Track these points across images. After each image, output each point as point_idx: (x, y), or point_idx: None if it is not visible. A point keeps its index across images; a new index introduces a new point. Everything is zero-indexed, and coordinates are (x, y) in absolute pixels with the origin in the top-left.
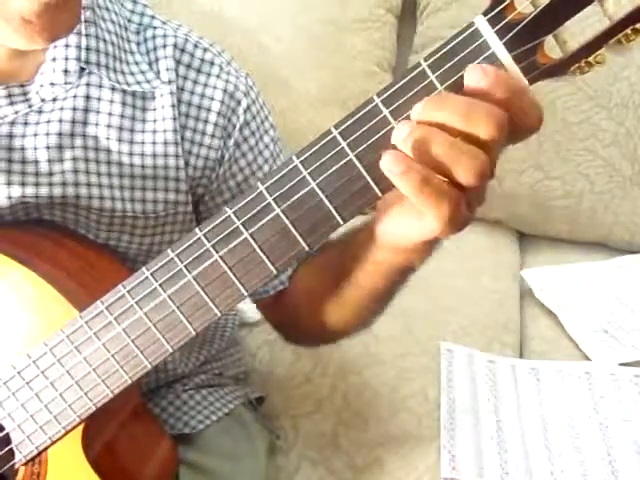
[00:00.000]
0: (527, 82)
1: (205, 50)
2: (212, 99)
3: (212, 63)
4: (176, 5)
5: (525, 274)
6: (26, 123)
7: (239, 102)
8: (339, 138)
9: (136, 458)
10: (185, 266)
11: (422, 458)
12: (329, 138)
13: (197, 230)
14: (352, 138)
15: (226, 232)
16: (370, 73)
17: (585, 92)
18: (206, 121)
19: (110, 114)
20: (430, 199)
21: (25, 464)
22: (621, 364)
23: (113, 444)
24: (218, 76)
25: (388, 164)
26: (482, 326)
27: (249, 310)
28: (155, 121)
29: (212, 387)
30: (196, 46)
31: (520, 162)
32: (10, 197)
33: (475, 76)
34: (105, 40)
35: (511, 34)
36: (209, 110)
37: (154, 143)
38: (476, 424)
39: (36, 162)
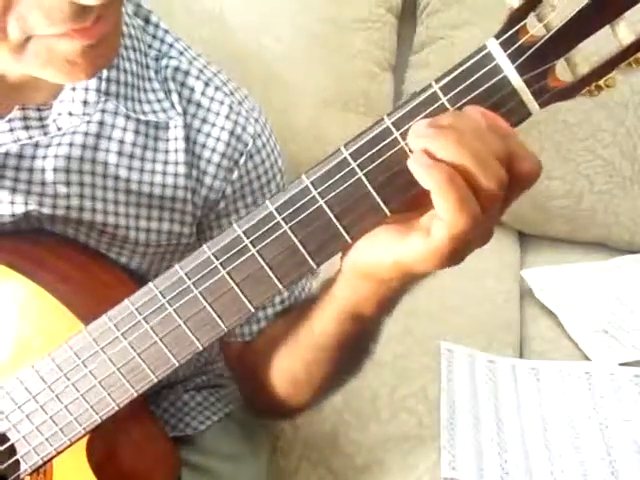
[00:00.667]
0: (538, 106)
1: (216, 89)
2: (218, 140)
3: (222, 103)
4: (175, 4)
5: (525, 274)
6: (37, 145)
7: (246, 144)
8: (349, 159)
9: (139, 465)
10: (193, 282)
11: (422, 458)
12: (340, 159)
13: (205, 247)
14: (362, 159)
15: (234, 249)
16: (370, 73)
17: None
18: (209, 161)
19: (122, 142)
20: (454, 197)
21: (30, 474)
22: (621, 364)
23: (117, 453)
24: (227, 117)
25: (417, 158)
26: (482, 326)
27: None
28: (167, 152)
29: (213, 388)
30: (207, 84)
31: None
32: (14, 215)
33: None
34: (125, 70)
35: (523, 58)
36: (213, 151)
37: (164, 174)
38: (476, 424)
39: (42, 184)
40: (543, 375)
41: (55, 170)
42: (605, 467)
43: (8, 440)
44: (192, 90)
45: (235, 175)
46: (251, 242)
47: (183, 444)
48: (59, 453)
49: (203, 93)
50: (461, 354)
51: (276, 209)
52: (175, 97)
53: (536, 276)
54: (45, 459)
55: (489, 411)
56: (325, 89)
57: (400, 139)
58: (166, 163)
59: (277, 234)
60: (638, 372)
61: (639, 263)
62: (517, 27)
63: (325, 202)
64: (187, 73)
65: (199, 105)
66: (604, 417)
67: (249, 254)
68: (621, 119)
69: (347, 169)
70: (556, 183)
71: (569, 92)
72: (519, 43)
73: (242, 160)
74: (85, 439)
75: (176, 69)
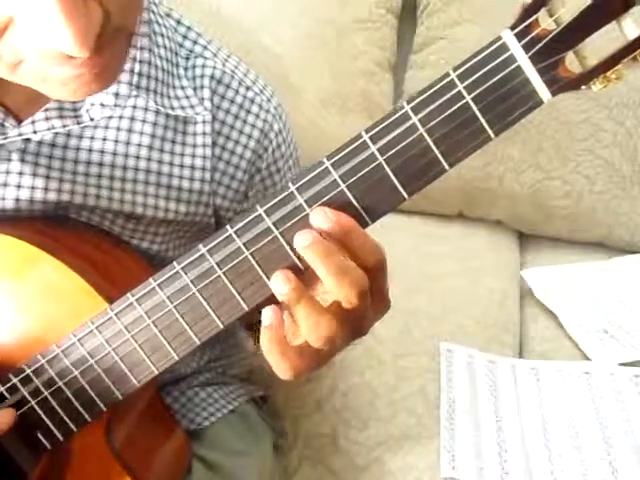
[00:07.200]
0: (550, 95)
1: (248, 88)
2: (250, 137)
3: (252, 101)
4: (175, 4)
5: (525, 274)
6: (69, 135)
7: (271, 141)
8: (369, 142)
9: (154, 447)
10: (216, 262)
11: (422, 458)
12: (359, 142)
13: (228, 227)
14: (381, 143)
15: (257, 230)
16: (370, 73)
17: (585, 92)
18: (241, 157)
19: (153, 136)
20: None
21: (49, 454)
22: (621, 364)
23: (133, 433)
24: (257, 115)
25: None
26: (482, 326)
27: None
28: (195, 146)
29: (217, 385)
30: (240, 83)
31: (520, 162)
32: (45, 201)
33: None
34: (156, 66)
35: (535, 49)
36: (245, 147)
37: (192, 167)
38: (476, 424)
39: (74, 173)
40: (543, 375)
41: (89, 163)
42: (605, 467)
43: (31, 418)
44: (227, 88)
45: (261, 168)
46: (274, 225)
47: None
48: (79, 430)
49: (237, 91)
50: (461, 354)
51: (297, 190)
52: (207, 93)
53: (536, 276)
54: (65, 435)
55: (489, 411)
56: (325, 89)
57: (418, 124)
58: (194, 156)
59: (300, 216)
60: (638, 372)
61: (639, 263)
62: (530, 20)
63: (346, 185)
64: (222, 72)
65: (232, 102)
66: (604, 417)
67: (272, 236)
68: (621, 119)
69: (367, 152)
70: (556, 183)
71: (578, 82)
72: (532, 35)
73: (267, 154)
74: (104, 418)
75: (213, 68)
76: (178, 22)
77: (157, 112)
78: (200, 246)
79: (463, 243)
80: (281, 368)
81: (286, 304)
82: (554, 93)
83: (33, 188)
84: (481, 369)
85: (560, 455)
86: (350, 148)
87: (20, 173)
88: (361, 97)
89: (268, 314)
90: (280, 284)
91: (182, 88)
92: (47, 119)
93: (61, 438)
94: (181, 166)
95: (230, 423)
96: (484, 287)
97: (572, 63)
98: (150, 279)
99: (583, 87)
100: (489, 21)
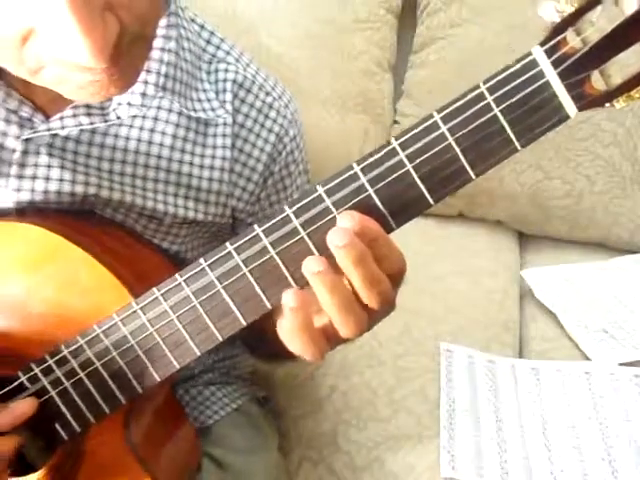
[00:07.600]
0: (577, 109)
1: (267, 94)
2: (266, 141)
3: (271, 106)
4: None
5: (525, 274)
6: (94, 132)
7: (285, 146)
8: (398, 149)
9: (167, 443)
10: (242, 260)
11: (422, 458)
12: (389, 148)
13: (255, 226)
14: (410, 150)
15: (284, 230)
16: (370, 73)
17: (609, 109)
18: (258, 160)
19: (175, 136)
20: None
21: (63, 447)
22: (621, 364)
23: (150, 428)
24: (274, 120)
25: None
26: (482, 326)
27: None
28: (215, 147)
29: (220, 384)
30: (260, 88)
31: (520, 162)
32: (73, 194)
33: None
34: (182, 69)
35: (564, 65)
36: (262, 150)
37: (212, 168)
38: (476, 424)
39: (98, 169)
40: (543, 375)
41: (112, 161)
42: (605, 467)
43: (49, 409)
44: (247, 92)
45: (274, 171)
46: (302, 226)
47: None
48: (97, 421)
49: (257, 96)
50: (461, 354)
51: (326, 192)
52: (229, 96)
53: (536, 276)
54: (83, 427)
55: (489, 411)
56: (325, 89)
57: (447, 134)
58: (213, 158)
59: (327, 218)
60: (638, 372)
61: (639, 263)
62: (558, 38)
63: (374, 190)
64: (244, 77)
65: (252, 106)
66: (604, 417)
67: (299, 237)
68: (621, 119)
69: (395, 159)
70: (556, 183)
71: (603, 100)
72: (560, 53)
73: (280, 158)
74: (122, 411)
75: (235, 73)
76: (202, 27)
77: (180, 113)
78: (227, 244)
79: (463, 243)
80: (308, 351)
81: (319, 287)
82: (580, 109)
83: (61, 180)
84: (481, 369)
85: (560, 455)
86: (380, 154)
87: (48, 166)
88: (361, 97)
89: (292, 296)
90: (317, 263)
91: (204, 91)
92: (75, 116)
93: (79, 429)
94: (201, 167)
95: (234, 421)
96: (484, 287)
97: (597, 81)
98: (176, 275)
99: (607, 104)
100: (489, 21)
